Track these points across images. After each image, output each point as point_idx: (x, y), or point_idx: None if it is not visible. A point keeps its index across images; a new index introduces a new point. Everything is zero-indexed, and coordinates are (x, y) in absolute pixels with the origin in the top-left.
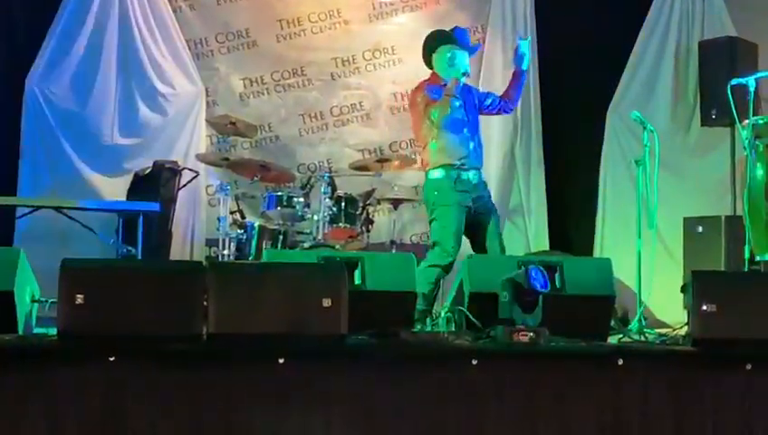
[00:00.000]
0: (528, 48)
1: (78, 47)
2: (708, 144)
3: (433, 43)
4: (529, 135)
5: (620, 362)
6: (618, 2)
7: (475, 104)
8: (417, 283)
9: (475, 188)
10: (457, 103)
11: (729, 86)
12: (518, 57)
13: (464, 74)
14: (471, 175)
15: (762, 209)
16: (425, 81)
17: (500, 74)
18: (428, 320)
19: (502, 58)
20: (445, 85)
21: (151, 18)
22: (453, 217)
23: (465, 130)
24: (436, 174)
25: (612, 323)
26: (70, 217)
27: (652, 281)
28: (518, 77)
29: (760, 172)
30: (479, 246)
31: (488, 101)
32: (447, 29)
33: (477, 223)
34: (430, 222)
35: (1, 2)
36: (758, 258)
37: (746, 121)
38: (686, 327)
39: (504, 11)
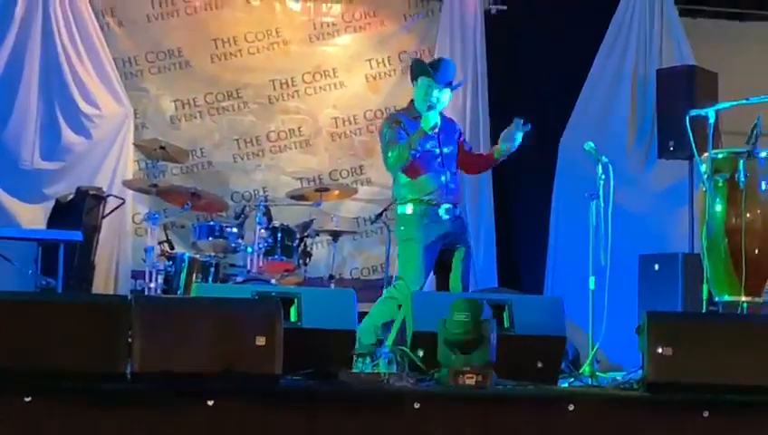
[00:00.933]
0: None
1: None
2: (666, 177)
3: (414, 73)
4: None
5: (571, 407)
6: (573, 27)
7: (455, 139)
8: (373, 313)
9: (445, 225)
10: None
11: (688, 117)
12: (506, 144)
13: (432, 128)
14: (441, 210)
15: (721, 247)
16: (397, 111)
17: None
18: (368, 360)
19: None
20: (415, 119)
21: (76, 35)
22: (415, 253)
23: (437, 163)
24: (405, 209)
25: (563, 365)
26: None
27: (605, 321)
28: (491, 163)
29: (719, 208)
30: (442, 284)
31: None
32: (435, 59)
33: (444, 260)
34: (398, 256)
35: None
36: (717, 299)
37: (705, 155)
38: (640, 371)
39: (453, 33)
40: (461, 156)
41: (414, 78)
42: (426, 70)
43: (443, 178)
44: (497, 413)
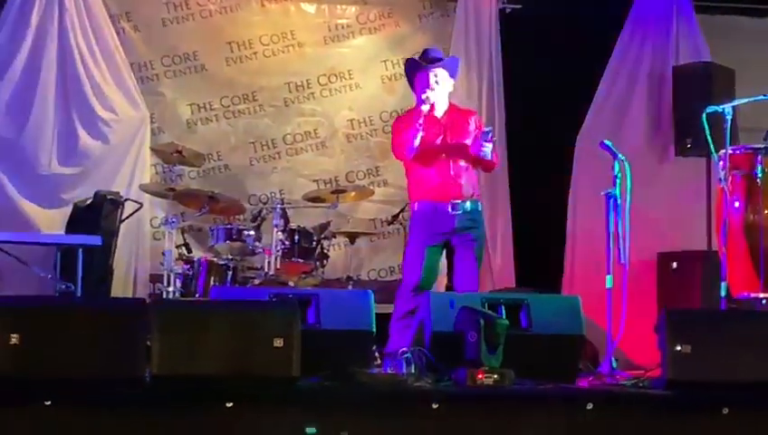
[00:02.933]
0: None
1: (14, 70)
2: (683, 175)
3: (407, 73)
4: None
5: (590, 406)
6: (588, 24)
7: (469, 130)
8: None
9: (450, 221)
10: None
11: (705, 114)
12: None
13: (424, 99)
14: (449, 206)
15: (739, 244)
16: (408, 111)
17: (464, 100)
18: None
19: (465, 83)
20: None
21: (93, 40)
22: (416, 254)
23: (442, 156)
24: (413, 207)
25: (581, 364)
26: (4, 251)
27: (623, 320)
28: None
29: (737, 205)
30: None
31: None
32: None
33: (450, 257)
34: None
35: None
36: (735, 296)
37: (723, 151)
38: (659, 369)
39: (468, 33)
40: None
41: (409, 78)
42: (411, 62)
43: (450, 172)
44: (516, 413)
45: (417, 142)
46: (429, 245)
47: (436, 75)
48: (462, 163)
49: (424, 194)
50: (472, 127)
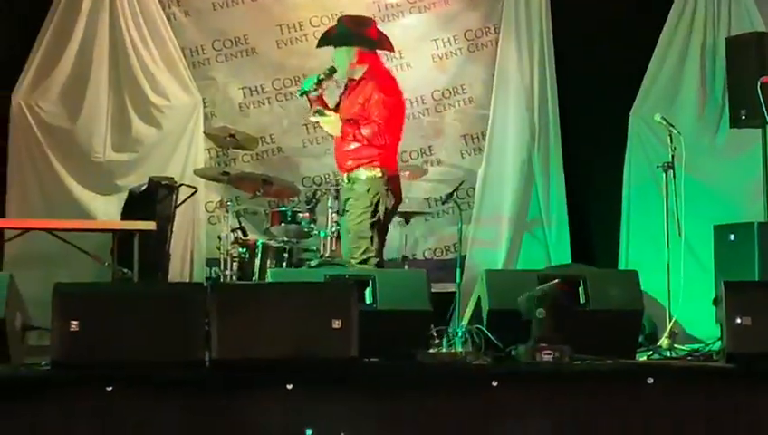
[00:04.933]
0: None
1: (66, 59)
2: (738, 146)
3: None
4: (547, 142)
5: (650, 380)
6: None
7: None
8: None
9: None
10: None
11: (759, 85)
12: None
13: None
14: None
15: None
16: None
17: (515, 76)
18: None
19: (516, 60)
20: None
21: (143, 26)
22: None
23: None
24: None
25: (640, 339)
26: (61, 239)
27: (682, 294)
28: None
29: None
30: None
31: None
32: None
33: None
34: None
35: None
36: None
37: None
38: (719, 342)
39: (518, 9)
40: None
41: None
42: None
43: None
44: (576, 389)
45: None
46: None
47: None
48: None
49: None
50: (360, 100)
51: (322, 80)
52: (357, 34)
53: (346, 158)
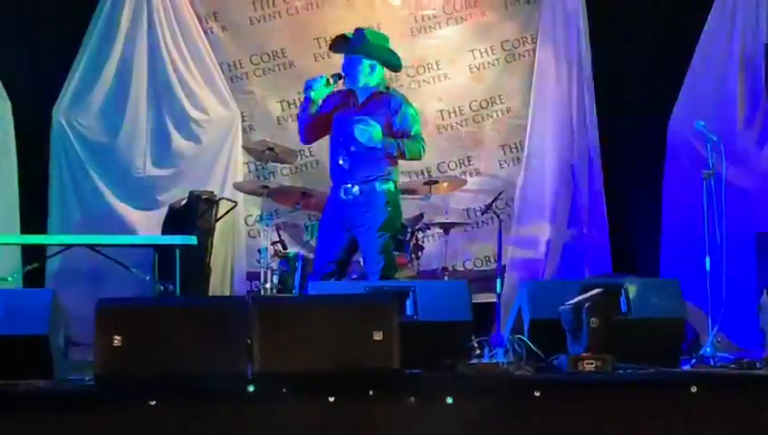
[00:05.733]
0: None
1: (106, 75)
2: None
3: None
4: (586, 149)
5: (694, 389)
6: (677, 4)
7: (382, 117)
8: None
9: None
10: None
11: None
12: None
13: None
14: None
15: None
16: None
17: (552, 86)
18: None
19: (554, 69)
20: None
21: (182, 42)
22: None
23: (338, 141)
24: None
25: (683, 347)
26: (103, 254)
27: (724, 301)
28: None
29: None
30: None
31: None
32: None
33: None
34: None
35: (23, 29)
36: None
37: None
38: (762, 350)
39: (555, 19)
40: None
41: None
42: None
43: (339, 160)
44: (618, 398)
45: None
46: (330, 231)
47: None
48: (350, 148)
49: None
50: (384, 112)
51: (329, 84)
52: (389, 50)
53: (366, 169)
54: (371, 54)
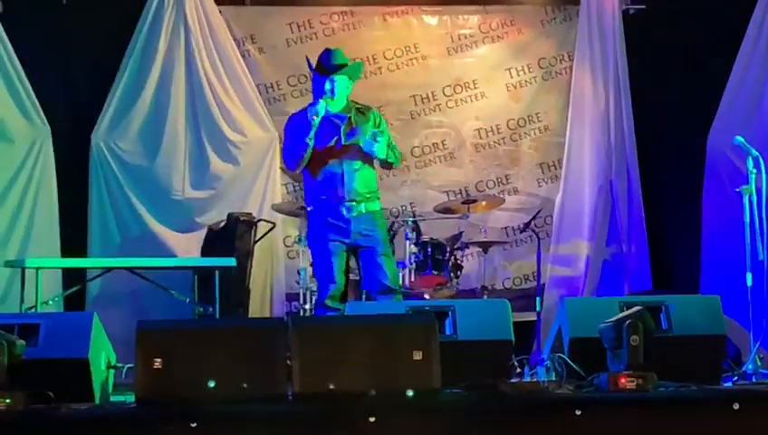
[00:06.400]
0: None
1: (144, 98)
2: None
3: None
4: (624, 167)
5: (736, 406)
6: (714, 20)
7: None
8: None
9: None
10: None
11: None
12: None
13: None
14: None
15: None
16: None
17: (590, 104)
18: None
19: (591, 86)
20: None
21: (219, 64)
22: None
23: (333, 157)
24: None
25: (725, 364)
26: (142, 277)
27: (766, 317)
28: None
29: None
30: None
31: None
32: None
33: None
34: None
35: (61, 53)
36: None
37: None
38: None
39: (592, 36)
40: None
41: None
42: (314, 66)
43: (339, 174)
44: (660, 416)
45: (306, 155)
46: (331, 248)
47: (333, 82)
48: (355, 165)
49: (319, 196)
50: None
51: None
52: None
53: (368, 186)
54: (354, 75)
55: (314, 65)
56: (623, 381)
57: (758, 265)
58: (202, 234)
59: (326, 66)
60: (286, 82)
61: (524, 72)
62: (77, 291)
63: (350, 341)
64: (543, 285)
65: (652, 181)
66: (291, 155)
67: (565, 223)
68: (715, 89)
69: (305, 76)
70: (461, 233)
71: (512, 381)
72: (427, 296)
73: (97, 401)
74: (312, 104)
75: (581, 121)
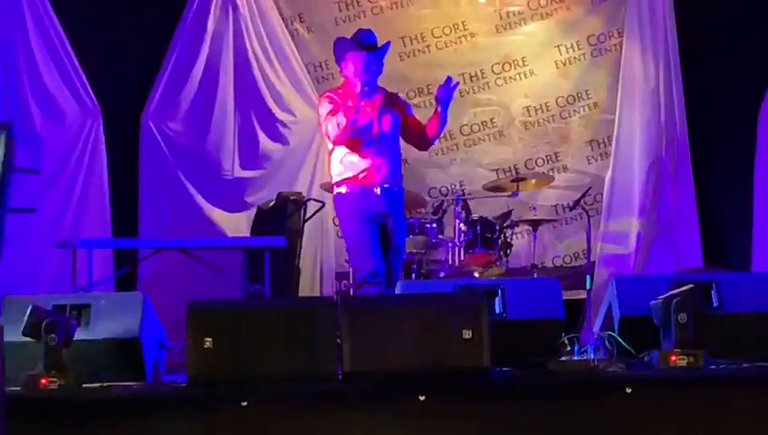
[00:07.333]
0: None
1: (193, 79)
2: None
3: (340, 53)
4: (675, 144)
5: None
6: None
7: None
8: None
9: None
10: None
11: None
12: (443, 98)
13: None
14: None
15: None
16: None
17: (640, 80)
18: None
19: (641, 62)
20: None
21: (268, 44)
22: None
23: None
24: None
25: None
26: (193, 257)
27: None
28: (441, 119)
29: None
30: None
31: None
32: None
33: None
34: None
35: (110, 34)
36: None
37: None
38: None
39: (641, 12)
40: (410, 130)
41: (341, 58)
42: (352, 44)
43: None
44: (712, 394)
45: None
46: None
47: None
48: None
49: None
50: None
51: None
52: None
53: (399, 171)
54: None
55: (354, 44)
56: (674, 358)
57: None
58: (252, 213)
59: (374, 42)
60: (334, 62)
61: (573, 49)
62: (128, 271)
63: (401, 319)
64: (593, 262)
65: (703, 157)
66: (350, 131)
67: (615, 200)
68: (767, 62)
69: None
70: (510, 211)
71: (562, 359)
72: (476, 275)
73: (148, 381)
74: (368, 83)
75: (632, 98)
